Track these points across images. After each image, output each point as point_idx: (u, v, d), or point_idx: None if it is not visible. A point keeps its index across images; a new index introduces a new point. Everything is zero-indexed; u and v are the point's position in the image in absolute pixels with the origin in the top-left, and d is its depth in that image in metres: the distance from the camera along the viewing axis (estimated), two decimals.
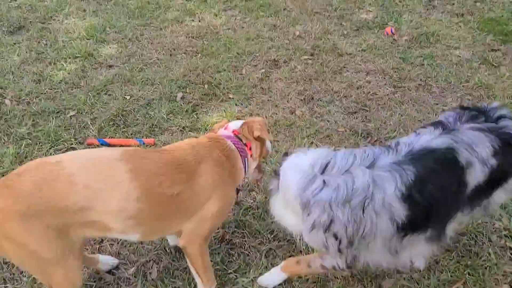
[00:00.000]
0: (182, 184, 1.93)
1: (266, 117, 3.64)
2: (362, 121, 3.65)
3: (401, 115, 3.70)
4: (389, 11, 5.38)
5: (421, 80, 4.13)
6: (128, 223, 1.88)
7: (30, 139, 3.29)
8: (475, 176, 1.90)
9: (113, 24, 4.92)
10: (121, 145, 3.31)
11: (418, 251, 2.07)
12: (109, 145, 3.30)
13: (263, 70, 4.26)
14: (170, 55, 4.47)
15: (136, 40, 4.70)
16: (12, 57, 4.23)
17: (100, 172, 1.81)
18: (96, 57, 4.34)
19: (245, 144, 2.27)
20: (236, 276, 2.44)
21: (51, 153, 3.18)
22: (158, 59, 4.38)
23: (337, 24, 5.14)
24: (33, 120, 3.47)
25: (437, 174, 1.83)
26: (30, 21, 4.86)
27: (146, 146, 3.31)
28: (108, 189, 1.79)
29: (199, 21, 5.15)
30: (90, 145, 3.28)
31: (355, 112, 3.75)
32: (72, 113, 3.61)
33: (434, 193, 1.82)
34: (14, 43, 4.46)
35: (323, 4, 5.60)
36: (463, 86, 4.03)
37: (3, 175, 2.93)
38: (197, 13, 5.30)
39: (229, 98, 3.88)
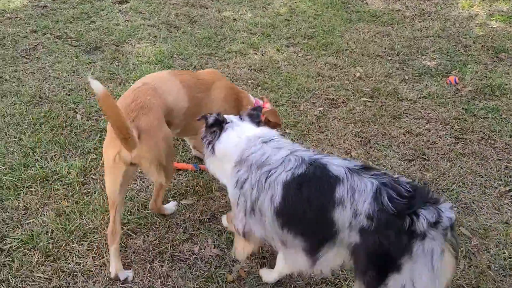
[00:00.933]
0: (205, 93, 2.92)
1: None
2: (419, 169, 3.57)
3: (461, 168, 3.59)
4: (453, 60, 5.31)
5: (484, 133, 4.01)
6: (181, 118, 2.80)
7: (95, 154, 3.47)
8: (343, 219, 1.95)
9: (181, 51, 5.16)
10: (179, 169, 3.43)
11: (297, 258, 2.18)
12: None
13: (321, 108, 4.30)
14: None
15: (200, 68, 4.89)
16: (87, 75, 4.52)
17: (169, 85, 2.75)
18: None
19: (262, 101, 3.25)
20: None
21: None
22: None
23: (399, 69, 5.13)
24: (99, 136, 3.66)
25: (313, 186, 2.02)
26: (106, 43, 5.20)
27: (202, 171, 3.40)
28: (176, 95, 2.74)
29: (262, 55, 5.31)
30: None
31: (413, 160, 3.68)
32: None
33: (302, 198, 2.03)
34: (90, 62, 4.77)
35: (385, 47, 5.62)
36: None
37: (69, 186, 3.11)
38: (260, 47, 5.46)
39: (286, 132, 3.93)
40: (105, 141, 2.48)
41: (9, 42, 5.00)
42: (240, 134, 2.35)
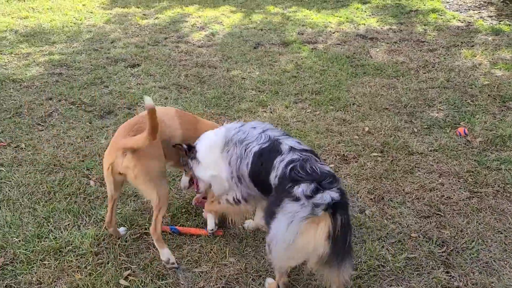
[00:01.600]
0: (196, 138, 3.21)
1: None
2: (437, 227, 3.50)
3: (479, 224, 3.52)
4: (461, 111, 5.34)
5: (499, 186, 3.96)
6: (173, 151, 3.25)
7: None
8: (272, 180, 2.64)
9: (191, 111, 5.26)
10: (192, 235, 3.40)
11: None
12: (180, 233, 3.40)
13: (332, 165, 4.30)
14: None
15: None
16: (100, 140, 4.62)
17: (171, 121, 3.26)
18: None
19: None
20: None
21: (126, 238, 3.32)
22: None
23: (407, 121, 5.16)
24: None
25: (266, 155, 2.71)
26: (119, 107, 5.34)
27: (215, 236, 3.37)
28: (174, 130, 3.26)
29: (271, 112, 5.40)
30: (163, 232, 3.39)
31: (429, 217, 3.62)
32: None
33: (260, 163, 2.72)
34: (103, 127, 4.89)
35: (392, 100, 5.69)
36: None
37: (83, 257, 3.10)
38: (269, 105, 5.57)
39: None
40: (106, 151, 3.02)
41: (25, 110, 5.17)
42: (213, 133, 3.07)
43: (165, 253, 3.06)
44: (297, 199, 2.38)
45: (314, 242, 2.36)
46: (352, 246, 2.75)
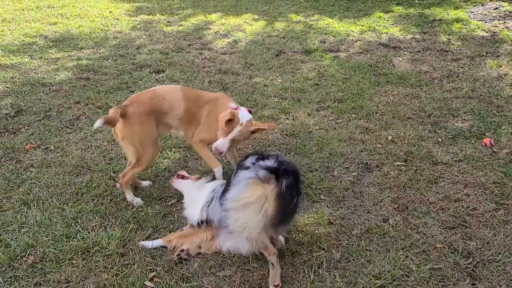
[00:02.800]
0: (198, 109, 3.75)
1: (358, 223, 3.60)
2: (462, 238, 3.46)
3: (506, 236, 3.46)
4: (486, 121, 5.28)
5: None
6: (178, 123, 3.74)
7: (134, 224, 3.53)
8: (246, 174, 2.89)
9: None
10: None
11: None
12: None
13: (355, 173, 4.29)
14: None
15: None
16: None
17: (172, 95, 3.70)
18: None
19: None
20: None
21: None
22: None
23: (431, 131, 5.12)
24: (138, 206, 3.75)
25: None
26: None
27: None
28: (175, 104, 3.68)
29: (293, 119, 5.42)
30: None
31: (454, 228, 3.58)
32: (172, 201, 3.86)
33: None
34: None
35: (415, 109, 5.65)
36: None
37: (109, 257, 3.16)
38: (291, 112, 5.60)
39: (321, 199, 3.92)
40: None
41: (55, 114, 5.32)
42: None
43: (129, 196, 3.77)
44: (246, 168, 2.88)
45: (263, 201, 2.70)
46: (297, 209, 3.05)
